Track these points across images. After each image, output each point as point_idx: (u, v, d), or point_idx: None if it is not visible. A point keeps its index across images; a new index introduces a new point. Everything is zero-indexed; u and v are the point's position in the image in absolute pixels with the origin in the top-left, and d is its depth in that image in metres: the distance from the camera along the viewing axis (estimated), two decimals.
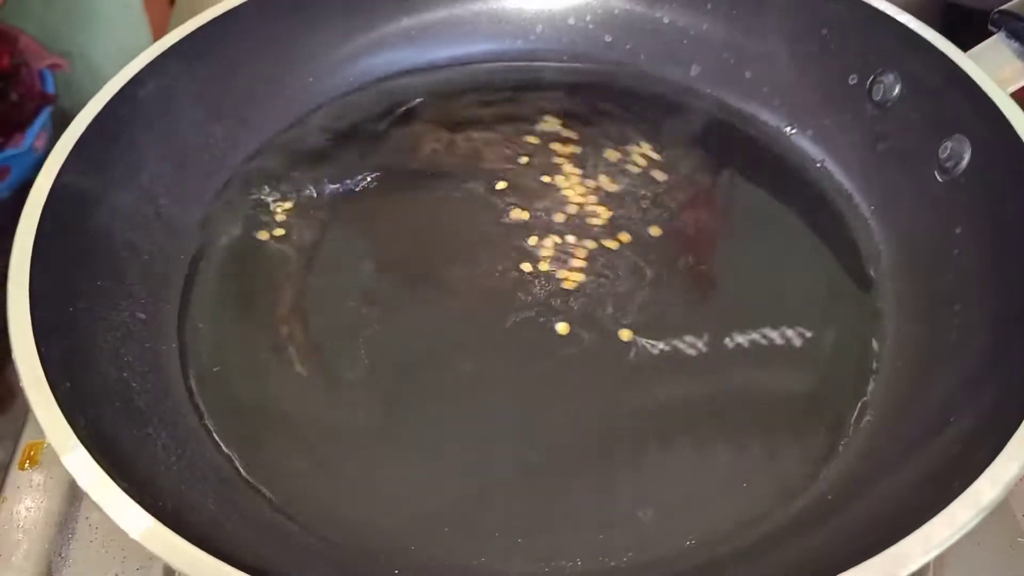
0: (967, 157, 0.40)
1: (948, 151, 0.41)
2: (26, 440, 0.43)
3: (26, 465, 0.42)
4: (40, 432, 0.42)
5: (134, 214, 0.42)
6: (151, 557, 0.39)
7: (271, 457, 0.37)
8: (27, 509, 0.41)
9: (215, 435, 0.37)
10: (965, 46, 0.42)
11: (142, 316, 0.39)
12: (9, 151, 0.51)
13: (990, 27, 0.42)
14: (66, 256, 0.37)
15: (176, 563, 0.27)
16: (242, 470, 0.36)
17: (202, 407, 0.38)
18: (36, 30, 0.55)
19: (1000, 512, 0.40)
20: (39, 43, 0.55)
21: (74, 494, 0.41)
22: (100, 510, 0.28)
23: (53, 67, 0.55)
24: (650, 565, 0.34)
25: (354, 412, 0.38)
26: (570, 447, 0.37)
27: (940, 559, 0.38)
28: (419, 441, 0.37)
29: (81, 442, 0.28)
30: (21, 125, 0.52)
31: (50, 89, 0.54)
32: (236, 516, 0.33)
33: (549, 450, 0.37)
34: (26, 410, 0.44)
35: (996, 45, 0.42)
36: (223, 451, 0.37)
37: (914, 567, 0.26)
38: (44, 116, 0.53)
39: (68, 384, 0.32)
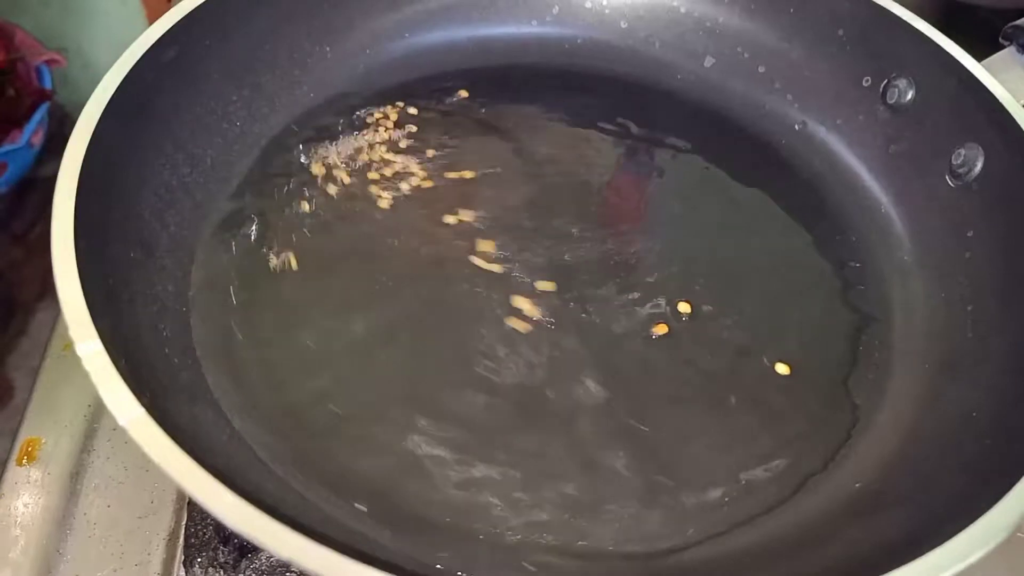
0: (980, 164, 0.42)
1: (961, 158, 0.43)
2: (24, 436, 0.42)
3: (24, 461, 0.42)
4: (37, 428, 0.42)
5: (159, 185, 0.41)
6: (149, 552, 0.39)
7: (302, 436, 0.36)
8: (25, 505, 0.40)
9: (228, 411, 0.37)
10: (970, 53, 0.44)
11: (173, 290, 0.39)
12: (6, 147, 0.50)
13: (1001, 40, 0.45)
14: (102, 229, 0.36)
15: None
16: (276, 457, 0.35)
17: (228, 385, 0.38)
18: (33, 26, 0.54)
19: None
20: (36, 39, 0.53)
21: (72, 490, 0.41)
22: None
23: (50, 63, 0.53)
24: (646, 554, 0.34)
25: (384, 391, 0.38)
26: (576, 429, 0.38)
27: None
28: (445, 423, 0.37)
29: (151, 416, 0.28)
30: (18, 121, 0.51)
31: (47, 85, 0.53)
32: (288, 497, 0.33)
33: (558, 430, 0.37)
34: (23, 406, 0.43)
35: (1006, 58, 0.44)
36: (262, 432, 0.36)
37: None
38: (41, 112, 0.52)
39: (124, 361, 0.31)
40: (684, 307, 0.42)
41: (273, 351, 0.39)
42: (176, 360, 0.36)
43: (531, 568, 0.33)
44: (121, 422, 0.28)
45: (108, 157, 0.37)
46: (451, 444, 0.37)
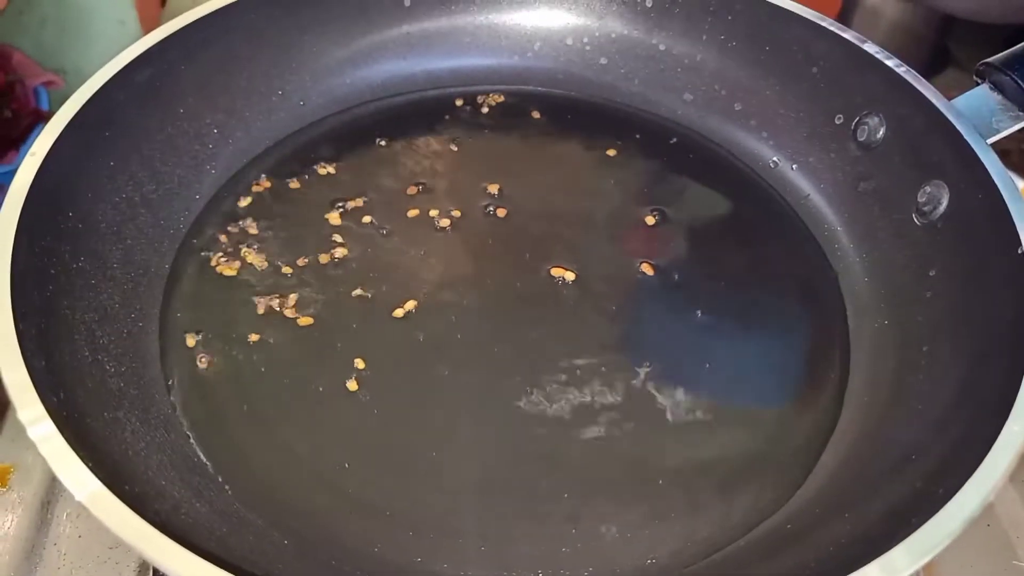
0: (945, 202, 0.41)
1: (927, 195, 0.42)
2: None
3: None
4: (9, 455, 0.42)
5: (120, 199, 0.42)
6: None
7: (240, 450, 0.37)
8: None
9: (185, 425, 0.37)
10: (948, 91, 0.43)
11: (120, 300, 0.39)
12: (3, 167, 0.51)
13: (975, 78, 0.44)
14: (48, 234, 0.37)
15: (135, 543, 0.26)
16: (208, 461, 0.36)
17: (174, 397, 0.38)
18: (31, 47, 0.55)
19: (995, 535, 0.41)
20: (34, 60, 0.55)
21: (43, 519, 0.41)
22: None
23: (48, 84, 0.55)
24: None
25: (327, 412, 0.38)
26: (539, 460, 0.37)
27: None
28: (392, 445, 0.38)
29: (51, 418, 0.28)
30: (15, 142, 0.52)
31: (44, 106, 0.55)
32: (202, 507, 0.33)
33: (518, 465, 0.37)
34: None
35: (979, 96, 0.43)
36: (191, 441, 0.37)
37: None
38: (38, 133, 0.53)
39: (43, 362, 0.32)
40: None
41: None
42: (109, 367, 0.36)
43: None
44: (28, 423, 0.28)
45: (66, 169, 0.39)
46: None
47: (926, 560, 0.27)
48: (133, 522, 0.27)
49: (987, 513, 0.41)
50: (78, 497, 0.27)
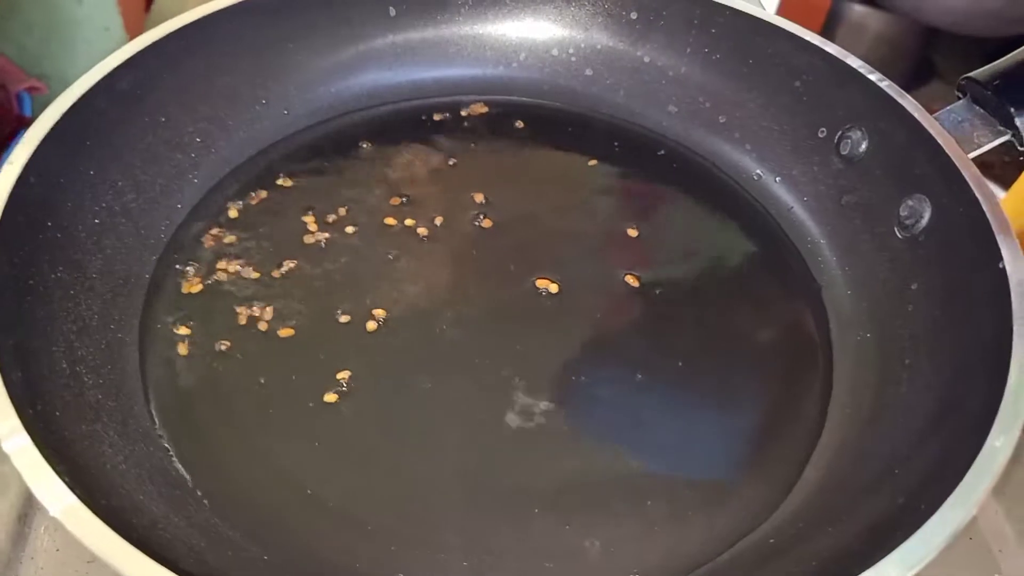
0: (927, 216, 0.41)
1: (909, 209, 0.42)
2: None
3: None
4: None
5: (100, 209, 0.41)
6: None
7: (220, 465, 0.36)
8: None
9: (165, 439, 0.37)
10: (932, 104, 0.43)
11: (99, 311, 0.39)
12: None
13: (957, 93, 0.44)
14: (26, 244, 0.36)
15: (111, 559, 0.26)
16: (187, 474, 0.36)
17: (154, 409, 0.38)
18: (15, 53, 0.55)
19: (977, 548, 0.41)
20: (17, 66, 0.54)
21: (20, 532, 0.40)
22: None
23: (31, 90, 0.55)
24: None
25: (308, 424, 0.38)
26: (522, 474, 0.37)
27: None
28: (373, 458, 0.37)
29: (27, 431, 0.28)
30: None
31: (27, 112, 0.54)
32: (181, 521, 0.33)
33: (501, 478, 0.37)
34: None
35: (962, 110, 0.43)
36: (170, 454, 0.36)
37: None
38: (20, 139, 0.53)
39: (20, 374, 0.31)
40: None
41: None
42: (87, 379, 0.36)
43: None
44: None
45: (45, 178, 0.38)
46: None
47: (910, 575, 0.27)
48: (109, 538, 0.26)
49: (969, 526, 0.41)
50: (52, 512, 0.27)
